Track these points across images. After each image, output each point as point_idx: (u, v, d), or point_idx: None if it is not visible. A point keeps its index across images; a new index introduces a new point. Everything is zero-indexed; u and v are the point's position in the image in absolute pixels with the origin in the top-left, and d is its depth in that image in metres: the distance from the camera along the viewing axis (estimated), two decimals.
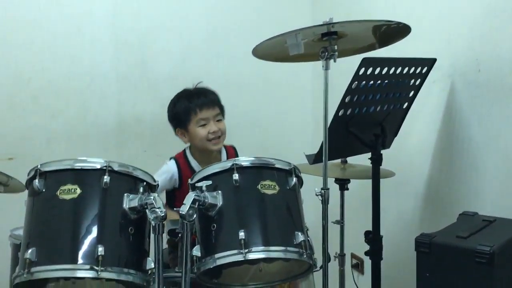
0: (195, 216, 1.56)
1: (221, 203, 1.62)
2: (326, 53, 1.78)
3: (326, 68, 1.82)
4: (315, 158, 1.94)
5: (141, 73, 2.95)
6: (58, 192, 1.52)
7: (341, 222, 2.42)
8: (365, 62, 1.79)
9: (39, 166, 1.56)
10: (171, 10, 3.00)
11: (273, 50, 1.97)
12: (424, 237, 1.71)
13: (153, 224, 1.51)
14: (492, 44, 1.99)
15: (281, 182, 1.69)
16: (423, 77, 2.07)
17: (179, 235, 1.64)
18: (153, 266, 1.55)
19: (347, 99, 1.85)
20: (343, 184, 2.38)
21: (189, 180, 1.71)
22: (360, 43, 1.99)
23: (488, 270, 1.56)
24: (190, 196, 1.56)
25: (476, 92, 2.07)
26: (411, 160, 2.46)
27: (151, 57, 2.97)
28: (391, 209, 2.50)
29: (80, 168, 1.57)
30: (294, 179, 1.71)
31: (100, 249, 1.45)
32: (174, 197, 2.28)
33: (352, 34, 1.85)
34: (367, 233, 2.03)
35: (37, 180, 1.53)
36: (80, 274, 1.46)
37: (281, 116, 3.28)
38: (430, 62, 2.04)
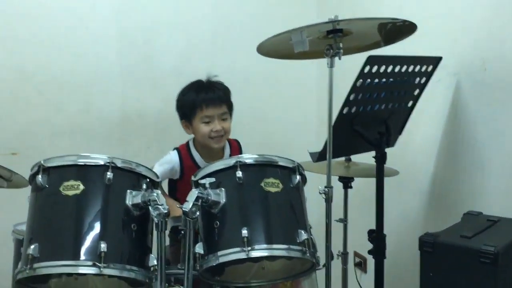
0: (198, 213, 1.56)
1: (224, 200, 1.62)
2: (331, 51, 1.78)
3: (331, 65, 1.81)
4: (319, 156, 1.93)
5: (145, 69, 2.95)
6: (61, 188, 1.52)
7: (344, 220, 2.41)
8: (371, 60, 1.77)
9: (42, 162, 1.56)
10: (176, 5, 3.00)
11: (278, 47, 1.96)
12: (428, 236, 1.71)
13: (156, 221, 1.51)
14: (499, 43, 1.98)
15: (285, 180, 1.69)
16: (429, 75, 2.06)
17: (182, 232, 1.64)
18: (155, 263, 1.54)
19: (351, 97, 1.84)
20: (346, 182, 2.37)
21: (192, 177, 1.71)
22: (366, 40, 1.98)
23: (492, 270, 1.55)
24: (194, 193, 1.56)
25: (482, 91, 2.06)
26: (416, 159, 2.45)
27: (156, 52, 2.97)
28: (394, 208, 2.49)
29: (83, 164, 1.56)
30: (298, 177, 1.70)
31: (103, 246, 1.45)
32: (175, 187, 2.30)
33: (358, 32, 1.84)
34: (370, 232, 2.03)
35: (40, 176, 1.53)
36: (83, 270, 1.46)
37: (285, 113, 3.28)
38: (435, 61, 2.03)
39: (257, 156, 1.69)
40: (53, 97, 2.77)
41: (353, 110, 1.89)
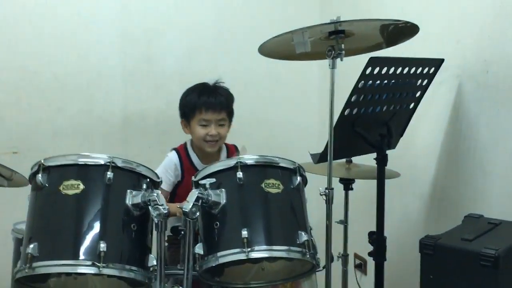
0: (198, 213, 1.55)
1: (224, 201, 1.61)
2: (333, 52, 1.78)
3: (333, 67, 1.81)
4: (320, 157, 1.93)
5: (147, 69, 2.95)
6: (61, 187, 1.51)
7: (345, 222, 2.41)
8: (372, 61, 1.77)
9: (42, 161, 1.56)
10: (178, 6, 3.00)
11: (280, 48, 1.96)
12: (428, 239, 1.70)
13: (156, 221, 1.51)
14: (501, 46, 1.98)
15: (285, 181, 1.68)
16: (431, 77, 2.05)
17: (182, 232, 1.64)
18: (155, 263, 1.54)
19: (353, 99, 1.84)
20: (347, 184, 2.37)
21: (193, 177, 1.70)
22: (368, 42, 1.98)
23: (493, 273, 1.55)
24: (194, 194, 1.56)
25: (484, 94, 2.05)
26: (417, 161, 2.44)
27: (158, 53, 2.97)
28: (395, 210, 2.49)
29: (83, 163, 1.56)
30: (299, 178, 1.70)
31: (102, 245, 1.44)
32: (175, 192, 2.27)
33: (360, 33, 1.84)
34: (371, 234, 2.02)
35: (40, 175, 1.53)
36: (82, 270, 1.45)
37: (287, 114, 3.27)
38: (437, 63, 2.03)
39: (257, 156, 1.69)
40: (55, 97, 2.77)
41: (355, 111, 1.89)
